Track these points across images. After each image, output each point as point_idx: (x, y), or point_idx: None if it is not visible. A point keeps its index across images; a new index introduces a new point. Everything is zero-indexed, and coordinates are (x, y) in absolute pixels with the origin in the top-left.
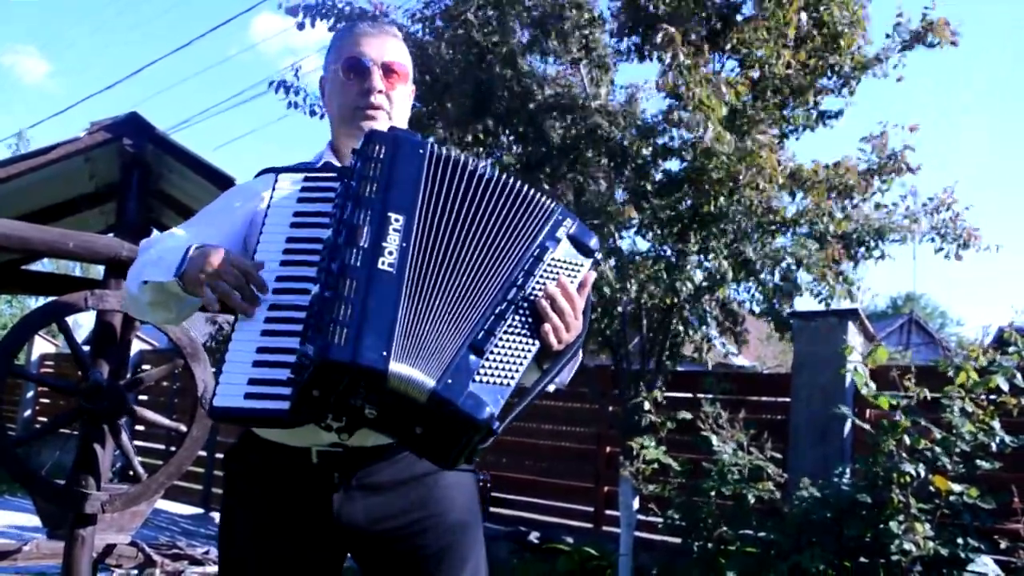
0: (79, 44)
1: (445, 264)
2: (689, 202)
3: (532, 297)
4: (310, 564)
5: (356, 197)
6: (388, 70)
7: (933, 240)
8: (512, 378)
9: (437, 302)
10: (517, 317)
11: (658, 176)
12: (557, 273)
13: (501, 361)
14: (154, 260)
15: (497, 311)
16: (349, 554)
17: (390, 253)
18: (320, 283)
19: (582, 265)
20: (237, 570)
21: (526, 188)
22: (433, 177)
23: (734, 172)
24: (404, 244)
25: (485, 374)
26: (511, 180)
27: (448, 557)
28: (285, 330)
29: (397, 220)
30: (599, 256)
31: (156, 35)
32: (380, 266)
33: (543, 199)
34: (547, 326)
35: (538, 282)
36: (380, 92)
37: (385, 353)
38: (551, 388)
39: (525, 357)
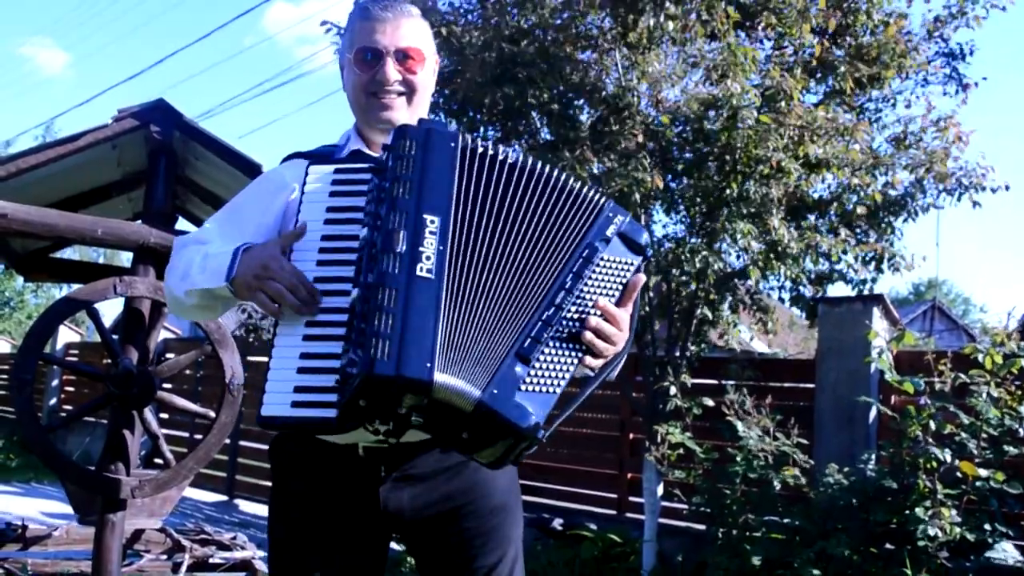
0: (95, 36)
1: (486, 266)
2: (713, 181)
3: (580, 300)
4: (357, 551)
5: (390, 199)
6: (403, 56)
7: (951, 193)
8: (558, 386)
9: (480, 306)
10: (565, 323)
11: (684, 155)
12: (606, 276)
13: (547, 369)
14: (200, 265)
15: (544, 317)
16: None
17: (427, 258)
18: (360, 289)
19: (632, 264)
20: (286, 561)
21: (571, 181)
22: (468, 173)
23: (760, 135)
24: (442, 247)
25: (531, 382)
26: (555, 173)
27: (492, 539)
28: (327, 334)
29: (432, 222)
30: (650, 252)
31: (171, 27)
32: (419, 273)
33: (591, 193)
34: (590, 347)
35: (587, 285)
36: (396, 81)
37: (429, 364)
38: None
39: (571, 366)
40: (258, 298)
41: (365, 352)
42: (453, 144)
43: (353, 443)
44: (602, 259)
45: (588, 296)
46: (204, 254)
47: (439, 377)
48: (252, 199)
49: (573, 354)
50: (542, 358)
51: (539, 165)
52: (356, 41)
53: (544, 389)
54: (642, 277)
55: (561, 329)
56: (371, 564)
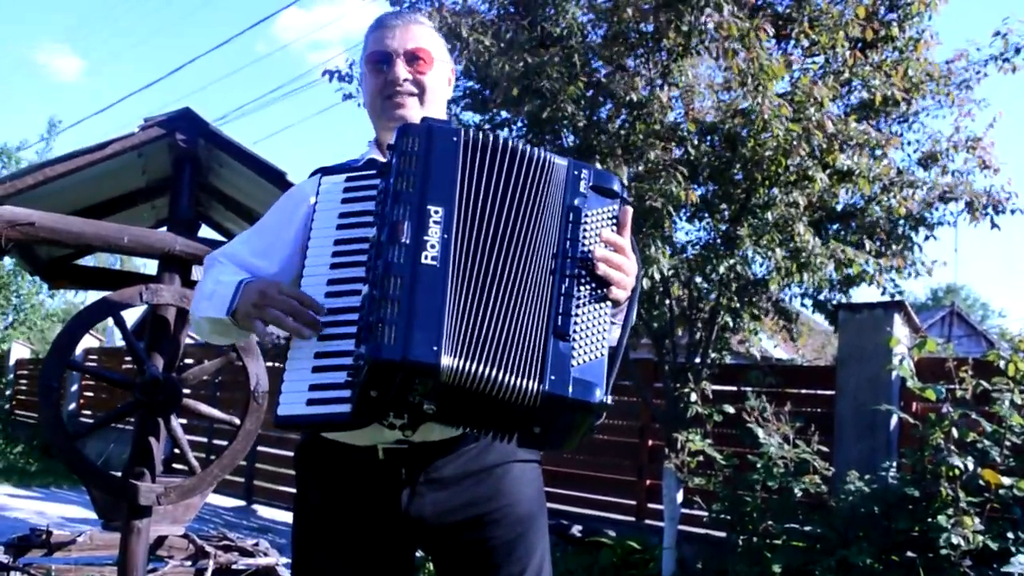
0: (110, 43)
1: (493, 250)
2: (740, 187)
3: (585, 261)
4: (381, 560)
5: (395, 193)
6: (413, 57)
7: (971, 212)
8: (602, 348)
9: (493, 291)
10: (583, 288)
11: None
12: (596, 228)
13: (586, 336)
14: (209, 294)
15: (564, 290)
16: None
17: (432, 247)
18: (368, 284)
19: (612, 208)
20: (307, 569)
21: (537, 152)
22: (470, 164)
23: (789, 144)
24: (446, 236)
25: (579, 355)
26: (526, 147)
27: (517, 548)
28: (341, 333)
29: (436, 212)
30: (625, 194)
31: (185, 36)
32: (423, 261)
33: (552, 157)
34: (613, 287)
35: (584, 245)
36: (406, 80)
37: (436, 348)
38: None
39: (605, 323)
40: (256, 327)
41: (372, 339)
42: (456, 139)
43: (372, 445)
44: (587, 216)
45: (589, 252)
46: (216, 281)
47: (446, 360)
48: (275, 214)
49: (602, 312)
50: (578, 328)
51: (518, 143)
52: (368, 48)
53: (592, 356)
54: (629, 210)
55: (582, 294)
56: (395, 572)
